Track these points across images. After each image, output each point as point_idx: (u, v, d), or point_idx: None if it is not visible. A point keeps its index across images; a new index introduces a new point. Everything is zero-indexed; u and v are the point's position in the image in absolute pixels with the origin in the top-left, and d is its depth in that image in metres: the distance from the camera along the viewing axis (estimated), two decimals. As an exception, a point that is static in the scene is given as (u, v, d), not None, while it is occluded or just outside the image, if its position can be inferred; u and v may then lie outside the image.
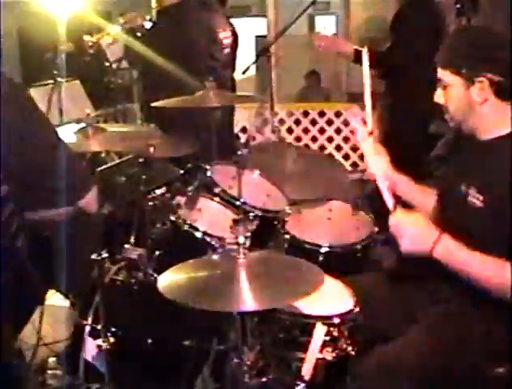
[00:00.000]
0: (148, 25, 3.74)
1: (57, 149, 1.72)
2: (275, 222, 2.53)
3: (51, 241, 1.97)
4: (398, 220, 1.86)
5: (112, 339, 2.15)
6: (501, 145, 1.85)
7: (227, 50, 3.76)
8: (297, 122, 5.45)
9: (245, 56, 4.48)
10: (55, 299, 2.89)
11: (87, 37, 4.21)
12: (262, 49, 4.10)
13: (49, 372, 2.36)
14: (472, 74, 1.82)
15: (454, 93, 1.87)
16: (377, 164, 2.15)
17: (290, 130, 5.44)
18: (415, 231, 1.82)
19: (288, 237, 2.44)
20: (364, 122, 2.28)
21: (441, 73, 1.89)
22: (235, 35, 3.95)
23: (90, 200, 1.79)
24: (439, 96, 1.92)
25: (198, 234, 2.34)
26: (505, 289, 1.71)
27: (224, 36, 3.71)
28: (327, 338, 1.91)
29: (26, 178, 1.66)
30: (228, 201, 2.53)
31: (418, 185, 2.19)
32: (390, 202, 1.96)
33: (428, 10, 3.87)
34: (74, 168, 1.77)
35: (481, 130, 1.89)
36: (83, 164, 1.88)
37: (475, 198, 1.83)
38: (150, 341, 2.21)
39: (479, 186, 1.84)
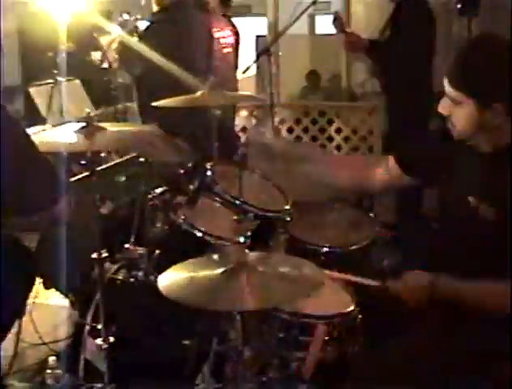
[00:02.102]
0: (143, 25, 3.75)
1: (27, 157, 1.72)
2: (275, 222, 2.52)
3: (28, 249, 1.96)
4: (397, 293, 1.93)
5: (112, 339, 2.15)
6: (506, 156, 1.81)
7: (226, 50, 3.76)
8: (298, 122, 5.44)
9: (246, 56, 4.49)
10: (55, 299, 2.89)
11: (95, 54, 4.24)
12: (263, 49, 4.11)
13: (49, 371, 2.36)
14: (488, 101, 1.74)
15: (465, 112, 1.78)
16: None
17: (290, 130, 5.44)
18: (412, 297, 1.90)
19: (287, 237, 2.44)
20: None
21: (451, 91, 1.78)
22: (237, 34, 3.96)
23: (58, 211, 1.78)
24: (444, 108, 1.83)
25: (198, 234, 2.34)
26: (505, 308, 1.75)
27: (221, 36, 3.71)
28: (327, 338, 1.91)
29: None
30: (229, 201, 2.53)
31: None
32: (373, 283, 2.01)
33: (422, 9, 3.91)
34: (43, 178, 1.76)
35: (486, 144, 1.85)
36: (54, 173, 1.86)
37: (486, 212, 1.81)
38: (150, 341, 2.21)
39: (489, 199, 1.80)
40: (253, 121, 5.29)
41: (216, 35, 3.66)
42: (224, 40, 3.75)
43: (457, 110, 1.79)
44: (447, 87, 1.80)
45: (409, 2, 3.94)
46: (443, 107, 1.83)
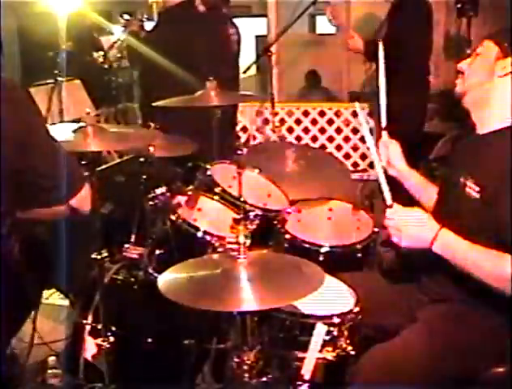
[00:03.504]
0: (148, 25, 3.74)
1: (49, 148, 1.72)
2: (275, 222, 2.53)
3: (45, 242, 1.96)
4: (397, 216, 1.86)
5: (112, 339, 2.15)
6: (498, 138, 1.87)
7: (231, 50, 3.76)
8: (298, 122, 5.44)
9: (246, 56, 4.48)
10: (55, 298, 2.89)
11: (96, 54, 4.25)
12: (263, 49, 4.11)
13: (49, 371, 2.36)
14: (509, 49, 1.88)
15: (482, 60, 1.93)
16: (393, 152, 2.23)
17: (290, 130, 5.44)
18: (414, 228, 1.82)
19: (288, 237, 2.44)
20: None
21: (484, 43, 1.95)
22: (238, 34, 3.96)
23: (82, 199, 1.78)
24: (463, 65, 1.99)
25: (199, 234, 2.34)
26: (504, 282, 1.71)
27: (228, 36, 3.71)
28: (327, 338, 1.91)
29: (18, 177, 1.66)
30: (229, 200, 2.53)
31: (427, 182, 2.21)
32: (388, 196, 1.95)
33: (420, 7, 3.91)
34: (66, 166, 1.77)
35: (483, 114, 1.92)
36: (75, 162, 1.87)
37: (472, 190, 1.85)
38: (150, 341, 2.21)
39: (476, 178, 1.85)
40: (255, 119, 5.29)
41: (224, 35, 3.66)
42: (229, 40, 3.75)
43: (476, 60, 1.95)
44: (484, 42, 1.96)
45: (407, 1, 3.94)
46: (463, 64, 2.00)
